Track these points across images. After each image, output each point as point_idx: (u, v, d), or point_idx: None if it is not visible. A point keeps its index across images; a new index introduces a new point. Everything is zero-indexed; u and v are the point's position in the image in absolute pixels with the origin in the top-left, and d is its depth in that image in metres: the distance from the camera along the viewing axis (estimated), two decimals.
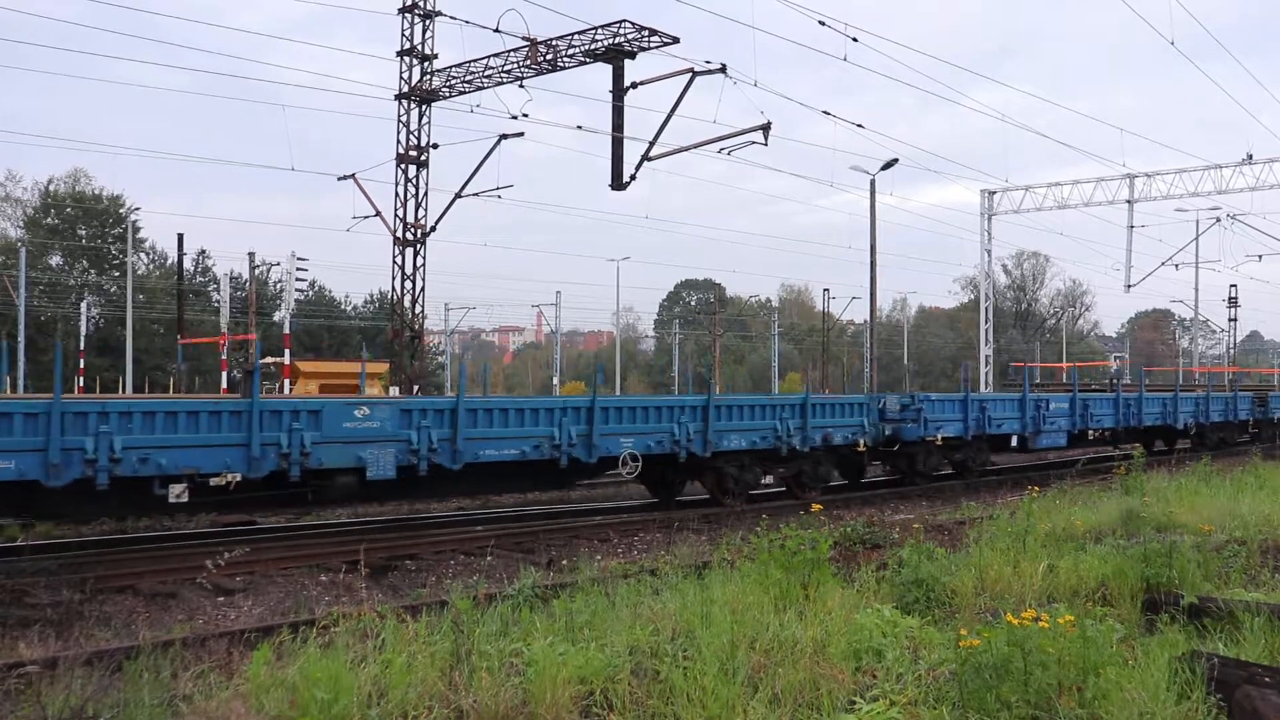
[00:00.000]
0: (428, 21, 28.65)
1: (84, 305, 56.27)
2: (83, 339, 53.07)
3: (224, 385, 42.27)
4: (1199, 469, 16.92)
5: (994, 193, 46.91)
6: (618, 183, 25.33)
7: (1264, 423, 34.01)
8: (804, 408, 18.50)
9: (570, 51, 25.82)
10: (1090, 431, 25.10)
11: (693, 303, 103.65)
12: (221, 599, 11.04)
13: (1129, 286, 45.56)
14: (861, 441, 19.53)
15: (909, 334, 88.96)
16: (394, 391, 28.30)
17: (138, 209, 69.41)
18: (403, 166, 29.01)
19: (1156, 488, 14.06)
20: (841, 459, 19.99)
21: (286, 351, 39.76)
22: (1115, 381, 35.33)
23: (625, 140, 25.12)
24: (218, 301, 54.11)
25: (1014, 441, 23.04)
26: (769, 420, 17.93)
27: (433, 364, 68.85)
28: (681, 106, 24.48)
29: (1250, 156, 39.66)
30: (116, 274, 63.45)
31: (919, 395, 20.97)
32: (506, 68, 26.87)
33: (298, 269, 43.27)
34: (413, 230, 29.22)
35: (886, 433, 20.19)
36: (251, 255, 49.99)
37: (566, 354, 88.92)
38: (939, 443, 20.86)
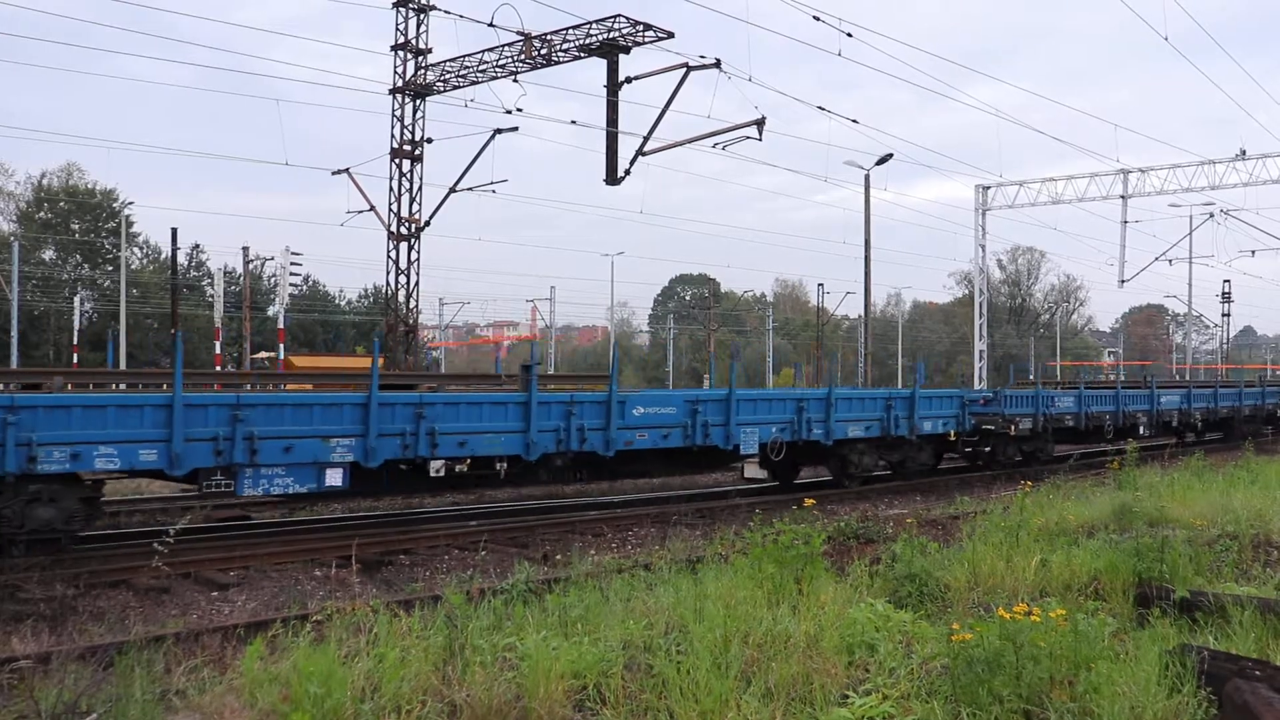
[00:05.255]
0: (422, 16, 28.62)
1: (77, 300, 56.17)
2: (76, 333, 52.94)
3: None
4: (1192, 464, 16.96)
5: (988, 188, 46.91)
6: (612, 177, 25.31)
7: None
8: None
9: (565, 46, 25.80)
10: None
11: (687, 298, 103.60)
12: (215, 594, 11.04)
13: (1123, 282, 45.60)
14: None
15: (903, 329, 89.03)
16: None
17: (131, 203, 69.19)
18: (397, 161, 28.97)
19: (1149, 482, 14.09)
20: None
21: (280, 346, 39.70)
22: None
23: (620, 135, 25.13)
24: (211, 296, 54.04)
25: None
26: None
27: (427, 358, 68.77)
28: (676, 102, 24.55)
29: (1244, 152, 39.70)
30: (110, 268, 63.27)
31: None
32: (501, 62, 26.84)
33: (292, 263, 43.23)
34: (407, 225, 29.19)
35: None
36: (245, 250, 49.90)
37: (561, 349, 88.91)
38: None
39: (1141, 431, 26.89)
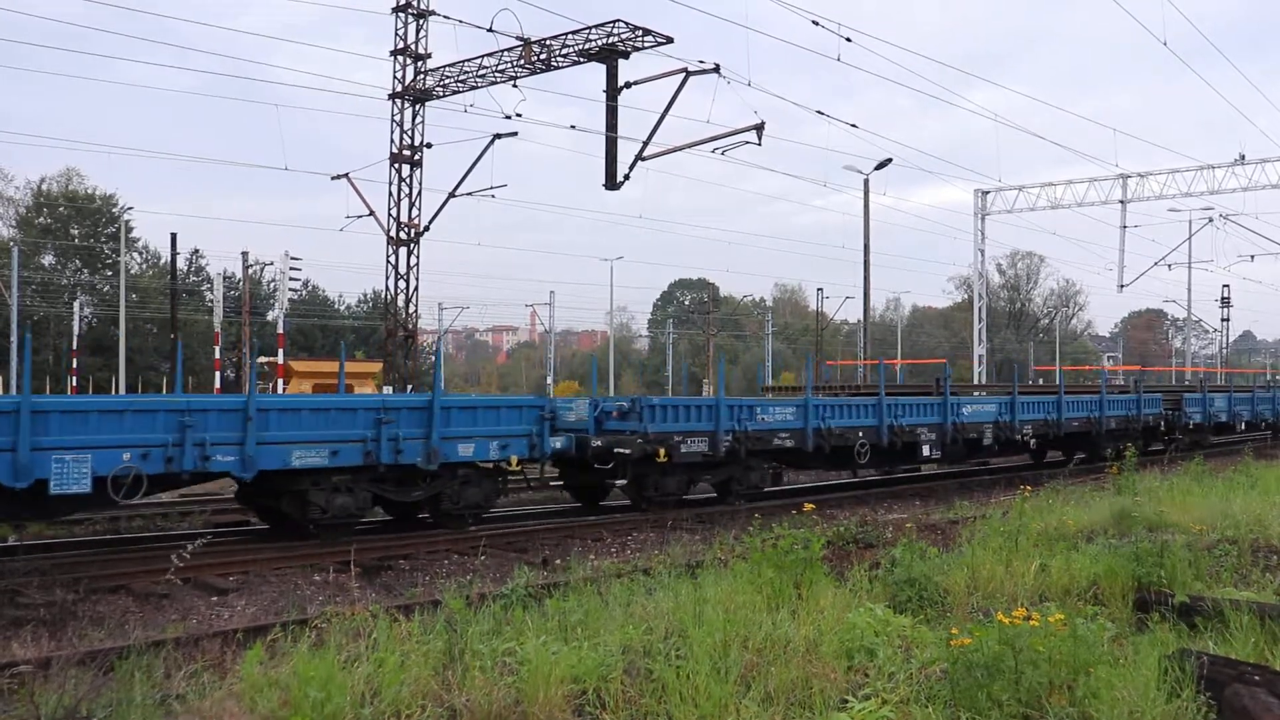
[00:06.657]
0: (421, 21, 28.68)
1: (76, 305, 56.18)
2: (75, 338, 52.97)
3: (217, 385, 42.24)
4: (1191, 469, 16.98)
5: (988, 193, 46.97)
6: (612, 182, 25.34)
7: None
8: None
9: (564, 51, 25.83)
10: None
11: (686, 302, 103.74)
12: (215, 598, 11.04)
13: (1122, 286, 45.79)
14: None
15: (903, 333, 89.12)
16: (387, 390, 28.28)
17: (130, 208, 69.35)
18: (396, 166, 29.01)
19: (1149, 487, 14.11)
20: None
21: (280, 351, 39.71)
22: None
23: (619, 140, 25.16)
24: (211, 301, 54.05)
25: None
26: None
27: (425, 363, 68.84)
28: (676, 106, 24.55)
29: (1243, 157, 39.79)
30: (109, 273, 63.31)
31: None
32: (500, 67, 26.87)
33: (291, 268, 43.20)
34: (406, 230, 29.21)
35: None
36: (245, 255, 49.91)
37: (561, 353, 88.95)
38: None
39: (926, 452, 21.03)
